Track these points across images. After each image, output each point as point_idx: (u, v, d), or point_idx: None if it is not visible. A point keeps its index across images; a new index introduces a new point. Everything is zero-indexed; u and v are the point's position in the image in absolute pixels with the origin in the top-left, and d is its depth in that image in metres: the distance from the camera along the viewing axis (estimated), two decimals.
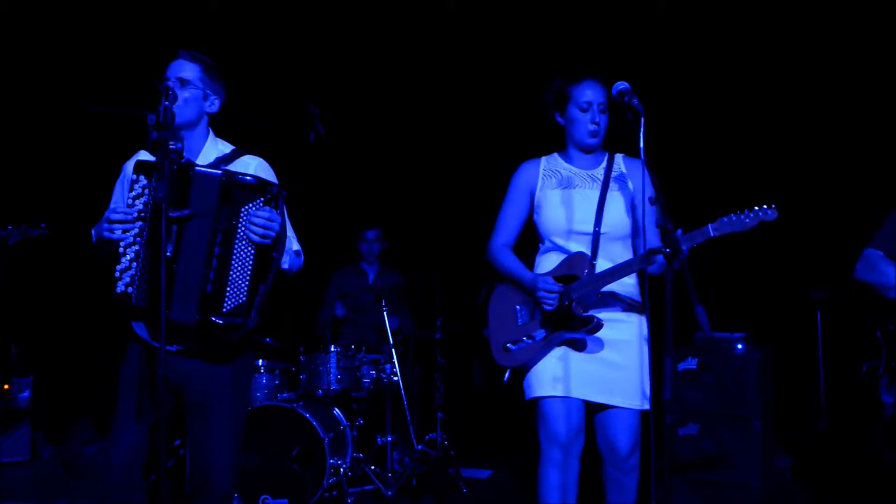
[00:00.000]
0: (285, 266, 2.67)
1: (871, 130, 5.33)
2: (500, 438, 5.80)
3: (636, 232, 2.90)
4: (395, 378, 4.84)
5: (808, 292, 5.27)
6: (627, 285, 2.88)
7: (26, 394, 5.55)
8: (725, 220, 2.53)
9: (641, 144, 2.43)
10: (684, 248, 2.47)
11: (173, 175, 2.37)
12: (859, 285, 3.31)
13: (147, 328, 2.55)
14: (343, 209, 5.97)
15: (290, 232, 2.71)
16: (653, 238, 2.69)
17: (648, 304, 2.52)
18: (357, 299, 5.48)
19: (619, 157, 2.98)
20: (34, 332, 5.75)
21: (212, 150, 2.72)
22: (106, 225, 2.47)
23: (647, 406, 2.82)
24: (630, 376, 2.82)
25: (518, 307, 2.94)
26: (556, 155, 3.01)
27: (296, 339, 5.11)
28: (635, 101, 2.49)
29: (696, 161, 5.51)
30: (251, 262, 2.48)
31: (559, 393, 2.81)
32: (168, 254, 2.35)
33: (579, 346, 2.84)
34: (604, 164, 2.95)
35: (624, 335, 2.85)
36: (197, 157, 2.67)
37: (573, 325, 2.79)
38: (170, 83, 2.58)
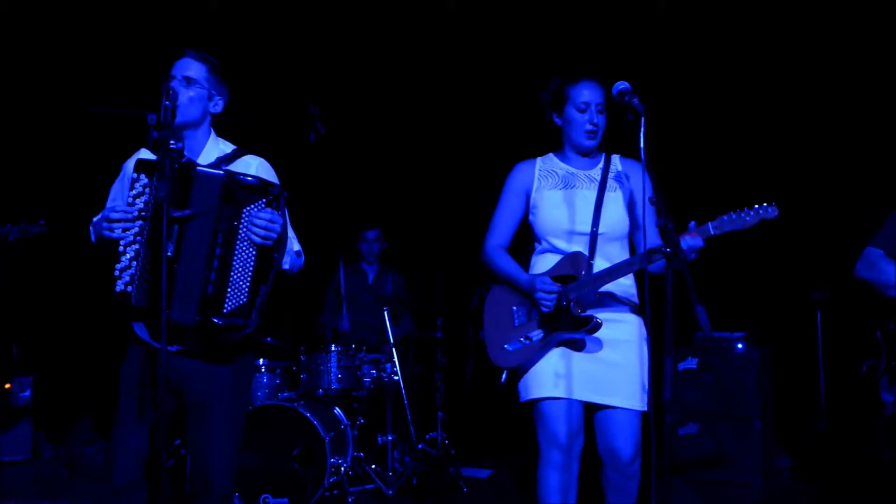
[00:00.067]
0: (286, 266, 2.67)
1: (870, 130, 5.33)
2: (500, 438, 5.80)
3: (634, 232, 2.89)
4: (396, 377, 4.85)
5: (808, 292, 5.27)
6: (624, 286, 2.87)
7: (27, 393, 5.56)
8: (726, 217, 2.54)
9: (642, 144, 2.42)
10: (690, 240, 2.47)
11: (174, 174, 2.35)
12: (859, 284, 3.32)
13: (147, 328, 2.55)
14: (343, 209, 5.97)
15: (290, 232, 2.71)
16: (653, 238, 2.67)
17: (649, 303, 2.51)
18: (357, 299, 5.48)
19: (615, 158, 2.96)
20: (35, 332, 5.76)
21: (213, 149, 2.71)
22: (106, 224, 2.46)
23: (646, 407, 2.78)
24: (629, 376, 2.80)
25: (515, 308, 2.91)
26: (551, 155, 2.99)
27: (296, 338, 5.11)
28: (636, 100, 2.47)
29: (696, 161, 5.51)
30: (252, 264, 2.46)
31: (558, 394, 2.78)
32: (169, 254, 2.34)
33: (578, 346, 2.82)
34: (601, 165, 2.93)
35: (623, 335, 2.83)
36: (198, 156, 2.67)
37: (571, 326, 2.76)
38: (175, 81, 2.58)
